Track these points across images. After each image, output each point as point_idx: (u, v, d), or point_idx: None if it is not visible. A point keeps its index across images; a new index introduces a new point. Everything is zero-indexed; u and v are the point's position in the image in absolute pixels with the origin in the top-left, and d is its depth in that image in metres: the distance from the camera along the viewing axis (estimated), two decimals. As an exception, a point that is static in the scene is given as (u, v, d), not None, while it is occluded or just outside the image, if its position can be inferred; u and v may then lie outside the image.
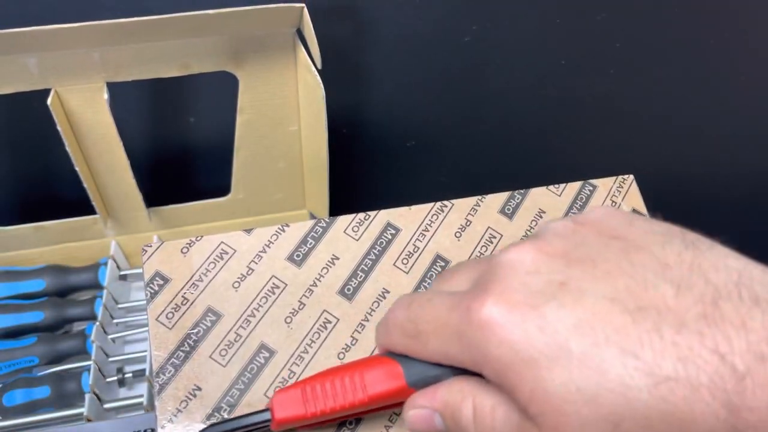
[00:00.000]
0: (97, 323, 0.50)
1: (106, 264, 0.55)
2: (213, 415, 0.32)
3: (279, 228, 0.38)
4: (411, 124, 0.65)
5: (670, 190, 0.76)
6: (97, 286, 0.54)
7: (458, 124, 0.66)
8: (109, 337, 0.51)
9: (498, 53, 0.61)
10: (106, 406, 0.47)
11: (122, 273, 0.56)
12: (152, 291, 0.35)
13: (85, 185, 0.52)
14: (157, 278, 0.35)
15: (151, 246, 0.36)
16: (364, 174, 0.69)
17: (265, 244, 0.37)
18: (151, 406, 0.46)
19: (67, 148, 0.49)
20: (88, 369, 0.48)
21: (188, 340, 0.34)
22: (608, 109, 0.67)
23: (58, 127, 0.48)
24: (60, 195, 0.62)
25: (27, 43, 0.44)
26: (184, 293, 0.35)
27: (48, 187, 0.62)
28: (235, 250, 0.37)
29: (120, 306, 0.54)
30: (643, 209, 0.43)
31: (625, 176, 0.44)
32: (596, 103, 0.66)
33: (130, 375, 0.49)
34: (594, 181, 0.44)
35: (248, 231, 0.37)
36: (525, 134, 0.68)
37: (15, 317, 0.51)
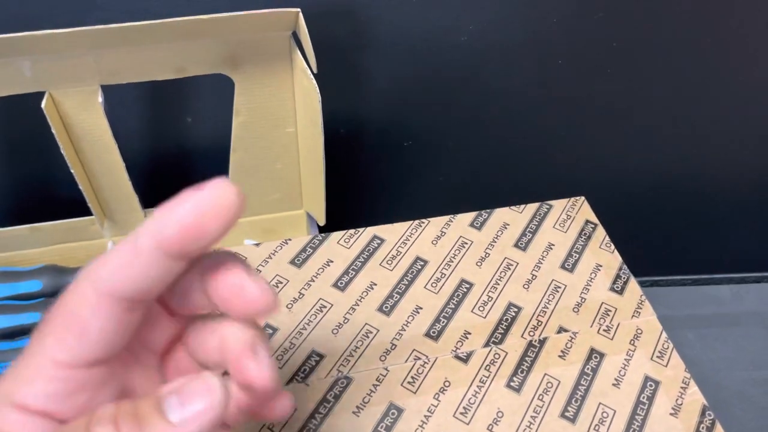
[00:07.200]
0: (94, 325, 0.50)
1: (102, 265, 0.54)
2: None
3: (325, 262, 0.43)
4: (408, 124, 0.65)
5: (670, 190, 0.76)
6: (94, 287, 0.54)
7: (455, 124, 0.66)
8: (106, 338, 0.51)
9: (495, 53, 0.61)
10: (103, 407, 0.47)
11: (119, 274, 0.56)
12: None
13: (81, 187, 0.52)
14: None
15: None
16: (361, 174, 0.69)
17: (313, 275, 0.42)
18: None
19: (62, 151, 0.49)
20: (84, 371, 0.48)
21: None
22: (606, 109, 0.67)
23: (53, 130, 0.48)
24: (56, 196, 0.61)
25: (21, 47, 0.44)
26: None
27: (44, 189, 0.62)
28: (288, 281, 0.41)
29: (117, 307, 0.54)
30: (595, 220, 0.47)
31: (577, 198, 0.49)
32: (594, 102, 0.66)
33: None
34: (550, 202, 0.49)
35: (298, 264, 0.43)
36: (522, 134, 0.68)
37: (12, 318, 0.51)
